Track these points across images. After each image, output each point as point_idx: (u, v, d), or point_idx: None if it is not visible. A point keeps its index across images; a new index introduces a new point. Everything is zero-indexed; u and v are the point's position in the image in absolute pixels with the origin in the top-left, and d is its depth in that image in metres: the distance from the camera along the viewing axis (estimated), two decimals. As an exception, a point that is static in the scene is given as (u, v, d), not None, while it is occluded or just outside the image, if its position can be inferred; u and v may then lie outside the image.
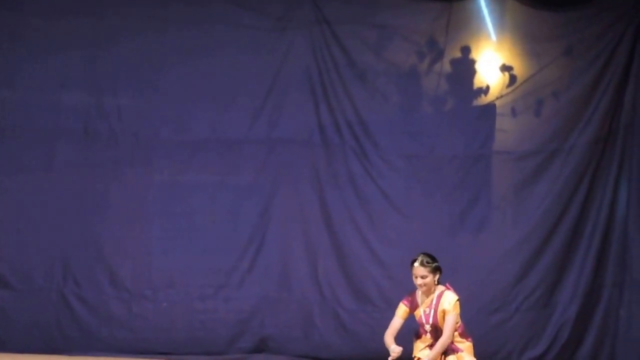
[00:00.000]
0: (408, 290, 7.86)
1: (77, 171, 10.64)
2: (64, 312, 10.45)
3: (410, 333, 7.87)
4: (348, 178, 10.56)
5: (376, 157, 10.56)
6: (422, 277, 7.65)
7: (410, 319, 7.82)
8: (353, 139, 10.58)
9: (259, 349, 10.43)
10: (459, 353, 7.64)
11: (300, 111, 10.65)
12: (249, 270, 10.50)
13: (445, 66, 10.57)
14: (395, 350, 7.53)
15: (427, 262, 7.65)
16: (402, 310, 7.82)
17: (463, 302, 7.72)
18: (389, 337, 7.71)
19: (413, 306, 7.79)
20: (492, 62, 10.55)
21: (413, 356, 7.77)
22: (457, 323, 7.66)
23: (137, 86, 10.73)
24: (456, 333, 7.68)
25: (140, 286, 10.51)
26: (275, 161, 10.62)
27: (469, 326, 7.98)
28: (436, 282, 7.71)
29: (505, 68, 10.51)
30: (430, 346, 7.69)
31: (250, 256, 10.50)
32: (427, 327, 7.71)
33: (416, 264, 7.65)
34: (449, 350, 7.63)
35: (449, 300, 7.64)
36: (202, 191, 10.64)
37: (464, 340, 7.73)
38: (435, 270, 7.68)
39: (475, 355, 7.72)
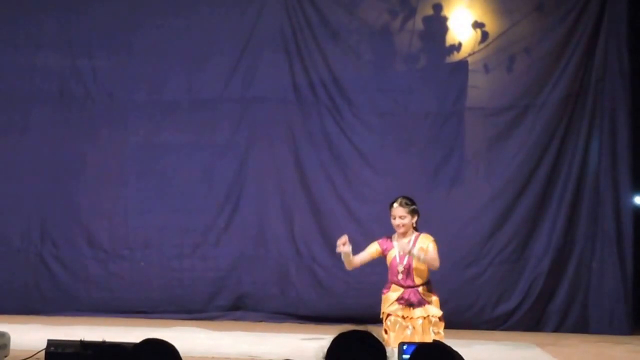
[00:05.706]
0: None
1: (53, 133, 10.68)
2: (41, 273, 10.54)
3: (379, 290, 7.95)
4: (322, 136, 10.58)
5: (350, 115, 10.57)
6: (401, 217, 7.64)
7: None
8: (327, 97, 10.58)
9: (236, 306, 10.49)
10: (426, 305, 7.65)
11: (274, 70, 10.65)
12: (225, 228, 10.55)
13: (418, 24, 10.56)
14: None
15: (406, 203, 7.67)
16: (373, 248, 7.83)
17: (436, 257, 7.78)
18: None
19: (387, 248, 7.78)
20: (464, 19, 10.55)
21: (382, 312, 7.77)
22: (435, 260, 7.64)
23: (112, 47, 10.75)
24: (423, 288, 7.71)
25: (117, 246, 10.59)
26: (249, 120, 10.63)
27: (443, 280, 8.05)
28: (414, 225, 7.72)
29: (477, 25, 10.52)
30: (399, 299, 7.67)
31: (227, 215, 10.56)
32: (400, 268, 7.66)
33: (395, 205, 7.68)
34: (416, 302, 7.65)
35: (426, 240, 7.68)
36: (177, 151, 10.68)
37: (431, 294, 7.76)
38: (414, 212, 7.68)
39: (442, 309, 7.74)
